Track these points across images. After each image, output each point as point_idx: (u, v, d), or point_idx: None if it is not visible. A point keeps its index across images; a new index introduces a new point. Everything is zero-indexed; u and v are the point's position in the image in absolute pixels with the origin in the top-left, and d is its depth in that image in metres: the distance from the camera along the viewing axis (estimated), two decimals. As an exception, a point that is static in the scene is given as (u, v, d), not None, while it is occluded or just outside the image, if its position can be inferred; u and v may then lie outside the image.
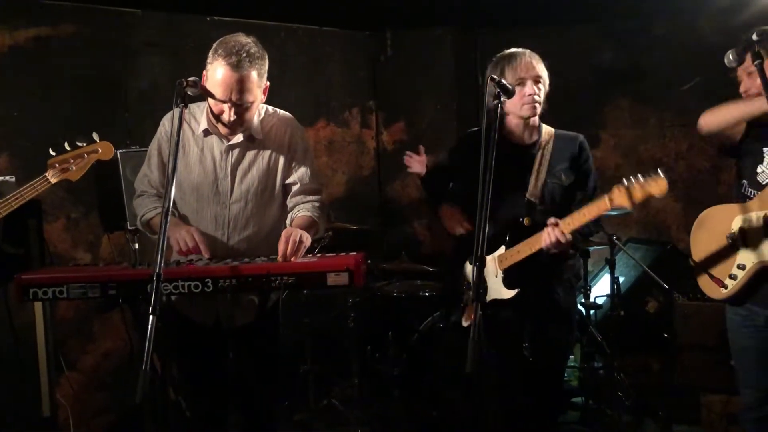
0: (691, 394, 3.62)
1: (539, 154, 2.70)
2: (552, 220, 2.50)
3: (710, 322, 3.53)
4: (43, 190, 2.74)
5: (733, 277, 2.48)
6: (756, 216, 2.43)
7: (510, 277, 2.64)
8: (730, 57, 2.30)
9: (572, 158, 2.72)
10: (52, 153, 2.73)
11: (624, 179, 2.37)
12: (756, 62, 2.20)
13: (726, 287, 2.50)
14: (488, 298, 2.63)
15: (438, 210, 2.93)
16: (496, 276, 2.66)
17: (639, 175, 2.36)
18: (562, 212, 2.57)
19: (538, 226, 2.57)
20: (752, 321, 2.51)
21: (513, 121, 2.71)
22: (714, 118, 2.60)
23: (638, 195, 2.34)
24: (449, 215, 2.84)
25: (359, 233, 4.32)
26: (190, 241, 2.38)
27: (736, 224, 2.49)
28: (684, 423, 3.69)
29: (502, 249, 2.66)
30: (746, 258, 2.44)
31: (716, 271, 2.54)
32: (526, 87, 2.62)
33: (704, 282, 2.59)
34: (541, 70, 2.66)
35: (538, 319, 2.70)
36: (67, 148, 2.73)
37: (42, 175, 2.72)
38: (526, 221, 2.65)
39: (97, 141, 2.73)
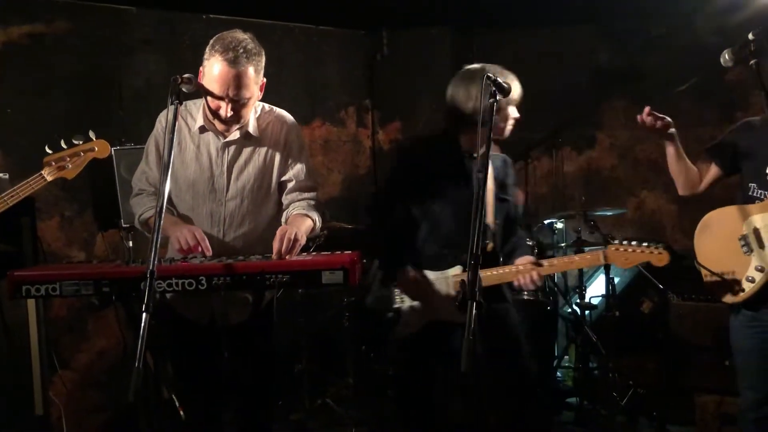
0: (686, 394, 3.63)
1: (490, 173, 2.67)
2: (533, 260, 2.54)
3: (705, 322, 3.54)
4: (39, 188, 2.73)
5: (750, 279, 2.44)
6: None
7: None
8: (726, 57, 2.30)
9: (506, 174, 2.78)
10: (48, 151, 2.71)
11: (625, 241, 2.46)
12: (752, 61, 2.19)
13: (744, 290, 2.46)
14: (438, 317, 2.60)
15: (399, 276, 2.69)
16: (449, 295, 2.60)
17: (643, 243, 2.44)
18: (504, 232, 2.66)
19: (496, 251, 2.63)
20: (757, 322, 2.50)
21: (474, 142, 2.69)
22: (678, 186, 2.73)
23: (634, 261, 2.44)
24: (414, 282, 2.66)
25: (355, 232, 4.31)
26: (192, 239, 2.36)
27: (748, 226, 2.46)
28: (678, 423, 3.70)
29: (458, 269, 2.60)
30: (765, 260, 2.41)
31: (730, 275, 2.49)
32: (515, 110, 2.66)
33: (716, 286, 2.54)
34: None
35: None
36: (64, 146, 2.71)
37: (38, 173, 2.71)
38: (489, 247, 2.59)
39: (94, 139, 2.72)
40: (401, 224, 2.70)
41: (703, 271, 2.58)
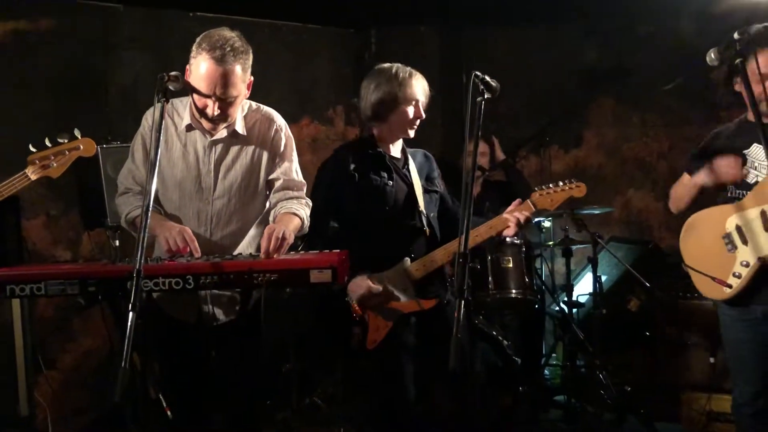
0: (673, 391, 3.65)
1: (412, 167, 2.79)
2: (517, 200, 2.66)
3: (691, 319, 3.57)
4: (23, 187, 2.68)
5: (737, 275, 2.50)
6: (754, 212, 2.47)
7: (425, 286, 2.68)
8: (711, 56, 2.31)
9: (431, 168, 2.88)
10: (33, 149, 2.67)
11: (543, 186, 2.67)
12: (737, 61, 2.21)
13: (731, 286, 2.51)
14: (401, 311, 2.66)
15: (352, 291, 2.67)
16: (406, 290, 2.66)
17: (560, 183, 2.65)
18: (442, 219, 2.76)
19: (435, 236, 2.72)
20: (748, 315, 2.54)
21: (391, 139, 2.77)
22: (675, 204, 2.77)
23: (558, 200, 2.65)
24: (363, 289, 2.64)
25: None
26: (181, 241, 2.35)
27: (731, 224, 2.53)
28: (665, 420, 3.72)
29: (406, 261, 2.66)
30: (749, 255, 2.47)
31: (717, 273, 2.54)
32: (419, 108, 2.71)
33: (704, 284, 2.59)
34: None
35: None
36: (48, 144, 2.67)
37: (21, 172, 2.66)
38: (428, 232, 2.71)
39: (79, 137, 2.67)
40: (338, 233, 2.70)
41: (691, 272, 2.62)
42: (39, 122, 3.70)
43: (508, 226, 2.62)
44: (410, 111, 2.70)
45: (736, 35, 2.22)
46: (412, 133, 2.77)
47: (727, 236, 2.53)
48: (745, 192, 2.54)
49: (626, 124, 4.97)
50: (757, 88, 2.37)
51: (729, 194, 2.62)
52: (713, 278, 2.55)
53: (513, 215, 2.62)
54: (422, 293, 2.68)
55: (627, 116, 4.96)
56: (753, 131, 2.43)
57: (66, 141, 2.66)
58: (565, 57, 4.95)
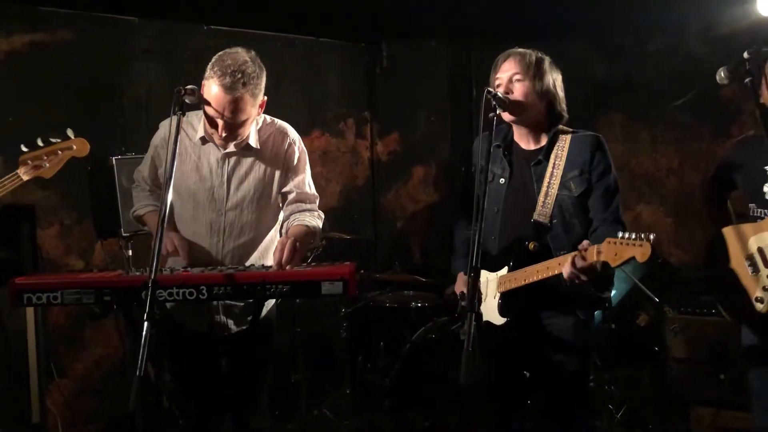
0: (681, 407, 3.64)
1: (550, 164, 2.44)
2: (584, 243, 2.21)
3: (700, 335, 3.56)
4: (15, 187, 2.60)
5: (759, 300, 2.40)
6: None
7: (506, 302, 2.44)
8: (722, 74, 2.33)
9: (584, 162, 2.43)
10: (24, 149, 2.60)
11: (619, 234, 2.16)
12: (747, 80, 2.23)
13: (755, 311, 2.41)
14: (483, 318, 2.42)
15: (454, 271, 2.69)
16: (494, 297, 2.48)
17: (632, 235, 2.13)
18: (574, 230, 2.41)
19: (546, 251, 2.38)
20: None
21: (515, 130, 2.54)
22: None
23: (623, 256, 2.12)
24: (463, 284, 2.53)
25: (353, 243, 4.33)
26: (170, 245, 2.44)
27: (753, 245, 2.45)
28: (674, 436, 3.72)
29: (504, 270, 2.45)
30: None
31: (742, 294, 2.45)
32: (501, 88, 2.45)
33: (731, 307, 2.53)
34: (521, 67, 2.43)
35: (539, 348, 2.52)
36: (40, 144, 2.60)
37: (13, 172, 2.60)
38: (530, 246, 2.41)
39: (72, 137, 2.60)
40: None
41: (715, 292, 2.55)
42: (54, 132, 3.73)
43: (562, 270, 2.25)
44: None
45: (746, 54, 2.24)
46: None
47: (750, 258, 2.44)
48: (766, 211, 2.47)
49: (635, 140, 4.97)
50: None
51: (751, 213, 2.54)
52: (737, 301, 2.45)
53: (572, 260, 2.21)
54: (507, 310, 2.44)
55: (636, 132, 4.97)
56: None
57: (59, 141, 2.59)
58: (575, 72, 4.91)
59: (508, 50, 2.51)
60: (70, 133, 2.59)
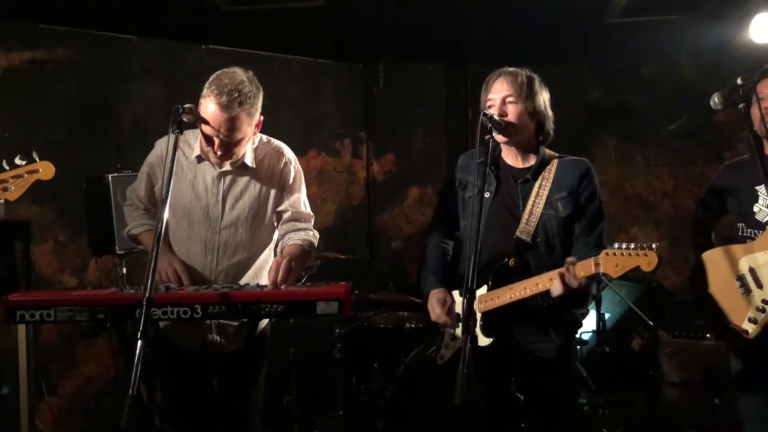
0: (675, 430, 3.63)
1: (537, 184, 2.47)
2: (570, 259, 2.26)
3: (694, 359, 3.56)
4: None
5: (752, 320, 2.38)
6: (764, 256, 2.38)
7: (488, 322, 2.41)
8: (715, 100, 2.35)
9: (572, 185, 2.45)
10: None
11: (615, 244, 2.21)
12: (741, 105, 2.25)
13: (747, 332, 2.39)
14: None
15: (425, 289, 2.63)
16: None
17: (631, 245, 2.19)
18: (556, 250, 2.42)
19: (525, 268, 2.39)
20: (763, 365, 2.45)
21: (503, 147, 2.55)
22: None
23: (625, 267, 2.17)
24: (437, 302, 2.53)
25: (347, 263, 4.33)
26: (172, 274, 2.45)
27: (743, 266, 2.43)
28: (667, 460, 3.70)
29: (483, 289, 2.43)
30: (764, 302, 2.36)
31: (733, 317, 2.43)
32: (493, 109, 2.45)
33: (722, 329, 2.48)
34: (514, 88, 2.45)
35: (525, 368, 2.52)
36: (6, 167, 2.54)
37: None
38: (511, 262, 2.41)
39: (37, 161, 2.54)
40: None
41: (708, 314, 2.52)
42: (51, 149, 3.74)
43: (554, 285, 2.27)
44: None
45: (739, 80, 2.25)
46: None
47: (741, 278, 2.43)
48: (758, 232, 2.46)
49: (630, 163, 5.01)
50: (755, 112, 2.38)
51: (740, 233, 2.54)
52: (729, 323, 2.43)
53: (560, 276, 2.24)
54: (491, 330, 2.42)
55: (630, 155, 5.01)
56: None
57: (24, 163, 2.54)
58: (569, 96, 5.00)
59: (498, 70, 2.54)
60: (35, 155, 2.54)
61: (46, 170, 2.53)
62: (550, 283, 2.27)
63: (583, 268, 2.21)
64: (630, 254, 2.15)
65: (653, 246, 2.14)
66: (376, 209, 5.26)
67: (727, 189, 2.63)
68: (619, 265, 2.16)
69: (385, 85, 5.19)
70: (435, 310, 2.52)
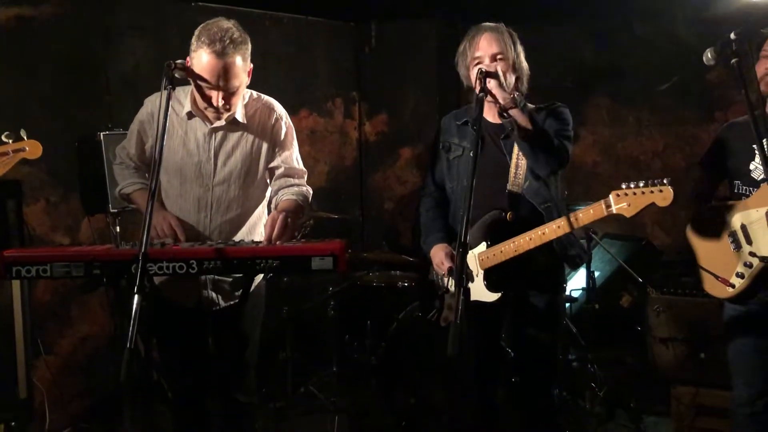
0: (662, 386, 3.70)
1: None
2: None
3: (681, 316, 3.61)
4: None
5: (740, 275, 2.45)
6: (757, 213, 2.42)
7: (492, 278, 2.46)
8: (708, 55, 2.33)
9: (549, 128, 2.51)
10: None
11: (624, 184, 2.18)
12: (733, 60, 2.24)
13: (733, 286, 2.46)
14: (471, 297, 2.38)
15: (427, 250, 2.68)
16: (477, 276, 2.50)
17: (645, 182, 2.16)
18: (550, 185, 2.46)
19: (522, 221, 2.43)
20: (750, 317, 2.50)
21: (486, 105, 2.50)
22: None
23: (639, 205, 2.15)
24: (445, 256, 2.57)
25: (340, 222, 4.35)
26: (168, 229, 2.44)
27: (736, 222, 2.47)
28: (654, 414, 3.78)
29: (483, 246, 2.48)
30: (752, 255, 2.42)
31: (721, 271, 2.50)
32: (482, 66, 2.46)
33: (709, 282, 2.56)
34: (499, 45, 2.49)
35: (517, 320, 2.59)
36: None
37: None
38: (508, 216, 2.46)
39: (25, 138, 2.51)
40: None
41: (698, 268, 2.58)
42: (39, 107, 3.71)
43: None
44: None
45: (732, 35, 2.24)
46: None
47: (732, 234, 2.48)
48: (752, 189, 2.49)
49: (621, 123, 5.02)
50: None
51: (735, 190, 2.57)
52: (717, 276, 2.50)
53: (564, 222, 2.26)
54: (496, 285, 2.47)
55: (622, 115, 5.01)
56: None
57: (11, 141, 2.50)
58: (561, 56, 4.99)
59: (478, 26, 2.57)
60: (23, 133, 2.51)
61: (33, 149, 2.52)
62: (557, 231, 2.28)
63: (595, 210, 2.20)
64: (643, 192, 2.11)
65: (665, 180, 2.11)
66: (369, 169, 5.26)
67: (724, 148, 2.64)
68: (632, 204, 2.12)
69: (377, 44, 5.14)
70: (445, 264, 2.55)
